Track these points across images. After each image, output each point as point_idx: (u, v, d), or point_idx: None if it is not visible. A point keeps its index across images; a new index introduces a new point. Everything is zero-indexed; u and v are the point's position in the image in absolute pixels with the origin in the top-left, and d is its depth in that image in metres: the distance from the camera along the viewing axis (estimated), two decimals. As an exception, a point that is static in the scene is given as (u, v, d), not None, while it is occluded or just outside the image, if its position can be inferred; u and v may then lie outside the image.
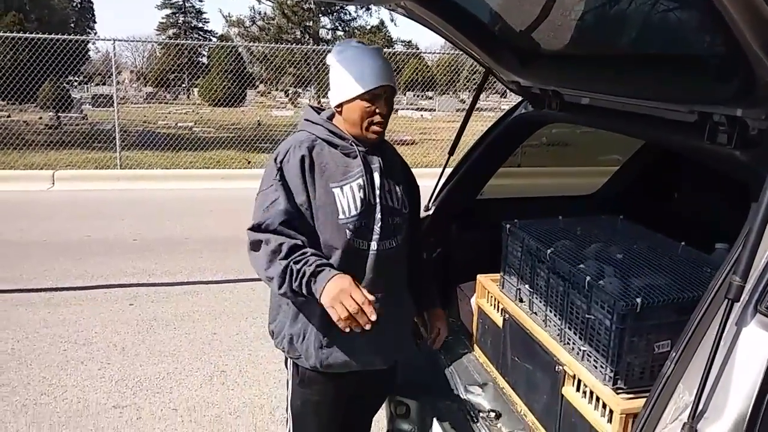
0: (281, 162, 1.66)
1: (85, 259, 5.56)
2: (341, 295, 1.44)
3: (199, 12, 45.99)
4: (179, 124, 17.25)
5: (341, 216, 1.65)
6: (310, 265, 1.50)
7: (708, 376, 1.12)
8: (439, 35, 2.17)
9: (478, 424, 1.83)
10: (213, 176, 9.81)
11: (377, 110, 1.69)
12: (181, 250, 5.92)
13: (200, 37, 44.53)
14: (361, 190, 1.67)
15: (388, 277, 1.72)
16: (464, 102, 21.98)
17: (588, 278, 1.60)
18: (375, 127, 1.71)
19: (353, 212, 1.66)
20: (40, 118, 15.10)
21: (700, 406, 1.13)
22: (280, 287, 1.53)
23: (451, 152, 2.51)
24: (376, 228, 1.69)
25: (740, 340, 1.14)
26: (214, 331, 4.16)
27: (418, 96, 26.85)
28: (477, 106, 2.69)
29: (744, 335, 1.15)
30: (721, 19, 1.02)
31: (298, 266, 1.51)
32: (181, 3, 45.29)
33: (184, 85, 33.85)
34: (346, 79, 1.66)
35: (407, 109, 23.08)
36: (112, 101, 10.80)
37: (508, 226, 2.09)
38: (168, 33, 44.06)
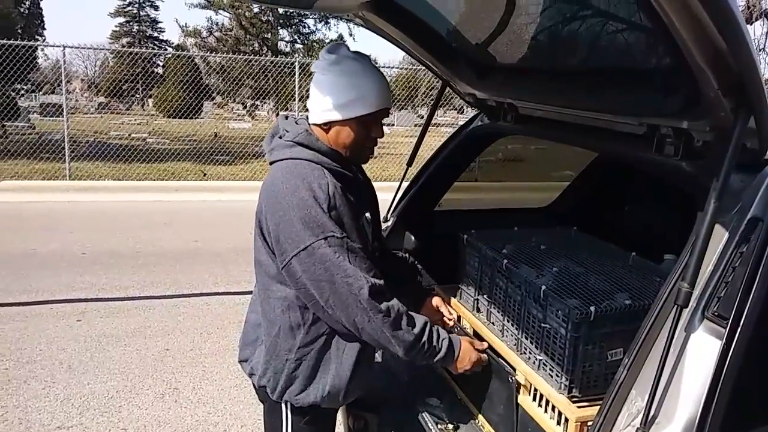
0: (328, 207, 1.44)
1: (29, 274, 5.32)
2: (472, 359, 1.66)
3: (155, 21, 45.19)
4: (133, 135, 16.87)
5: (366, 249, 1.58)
6: (440, 342, 1.58)
7: (659, 381, 1.14)
8: (398, 47, 2.17)
9: (437, 436, 1.82)
10: (167, 188, 9.61)
11: (373, 134, 1.55)
12: (132, 264, 5.74)
13: (155, 47, 43.71)
14: (367, 224, 1.64)
15: None
16: (422, 117, 22.18)
17: (543, 287, 1.62)
18: (368, 152, 1.59)
19: (369, 245, 1.61)
20: (-16, 127, 14.51)
21: (652, 412, 1.15)
22: (406, 354, 1.52)
23: (410, 163, 2.52)
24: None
25: (689, 345, 1.17)
26: (166, 347, 4.04)
27: (377, 110, 27.01)
28: (435, 121, 2.72)
29: (693, 341, 1.18)
30: (669, 36, 1.05)
31: (433, 343, 1.56)
32: (135, 11, 44.43)
33: (138, 96, 33.18)
34: (344, 96, 1.48)
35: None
36: (62, 110, 10.47)
37: (465, 236, 2.10)
38: (121, 42, 43.08)
